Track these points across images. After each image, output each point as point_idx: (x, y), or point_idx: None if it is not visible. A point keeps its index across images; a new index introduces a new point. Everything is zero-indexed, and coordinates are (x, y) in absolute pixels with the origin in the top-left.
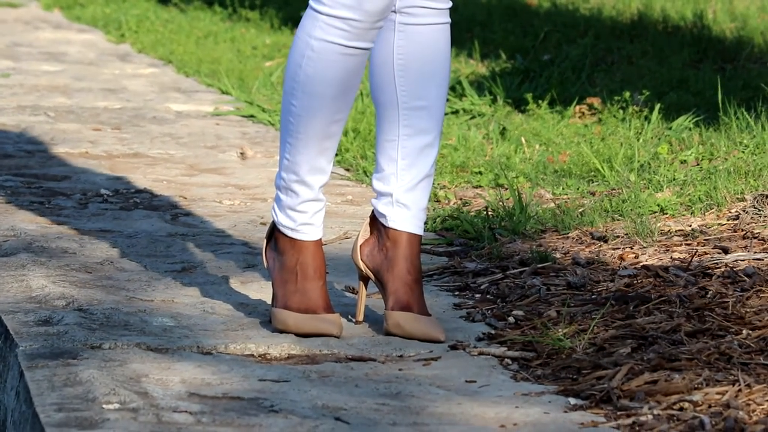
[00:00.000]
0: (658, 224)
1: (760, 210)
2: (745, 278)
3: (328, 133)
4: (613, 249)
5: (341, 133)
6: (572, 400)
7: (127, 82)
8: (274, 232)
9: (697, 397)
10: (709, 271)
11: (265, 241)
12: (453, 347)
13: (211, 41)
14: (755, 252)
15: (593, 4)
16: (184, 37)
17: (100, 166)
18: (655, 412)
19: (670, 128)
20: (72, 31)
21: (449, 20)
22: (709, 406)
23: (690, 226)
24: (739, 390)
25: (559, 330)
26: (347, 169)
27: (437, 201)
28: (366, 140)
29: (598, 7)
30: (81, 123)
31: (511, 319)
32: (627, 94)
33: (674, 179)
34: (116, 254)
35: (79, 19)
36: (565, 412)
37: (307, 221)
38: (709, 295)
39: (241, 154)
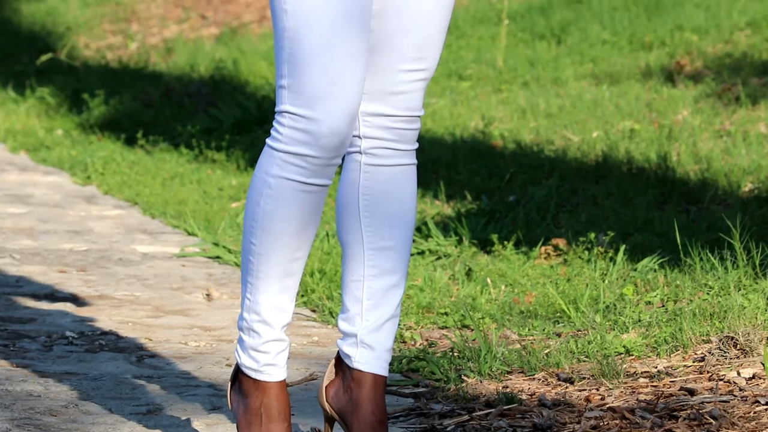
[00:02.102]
0: (624, 366)
1: (725, 352)
2: (712, 420)
3: (289, 271)
4: (579, 390)
5: (302, 271)
6: None
7: (93, 224)
8: (238, 375)
9: None
10: (676, 413)
11: (230, 383)
12: None
13: (178, 182)
14: (721, 394)
15: (558, 146)
16: (150, 179)
17: (66, 308)
18: None
19: (636, 269)
20: (38, 173)
21: (415, 161)
22: None
23: (656, 367)
24: None
25: None
26: (313, 310)
27: (403, 342)
28: (332, 281)
29: (563, 148)
30: (46, 265)
31: None
32: (592, 236)
33: (640, 320)
34: (81, 397)
35: (45, 162)
36: None
37: (270, 362)
38: None
39: (207, 295)
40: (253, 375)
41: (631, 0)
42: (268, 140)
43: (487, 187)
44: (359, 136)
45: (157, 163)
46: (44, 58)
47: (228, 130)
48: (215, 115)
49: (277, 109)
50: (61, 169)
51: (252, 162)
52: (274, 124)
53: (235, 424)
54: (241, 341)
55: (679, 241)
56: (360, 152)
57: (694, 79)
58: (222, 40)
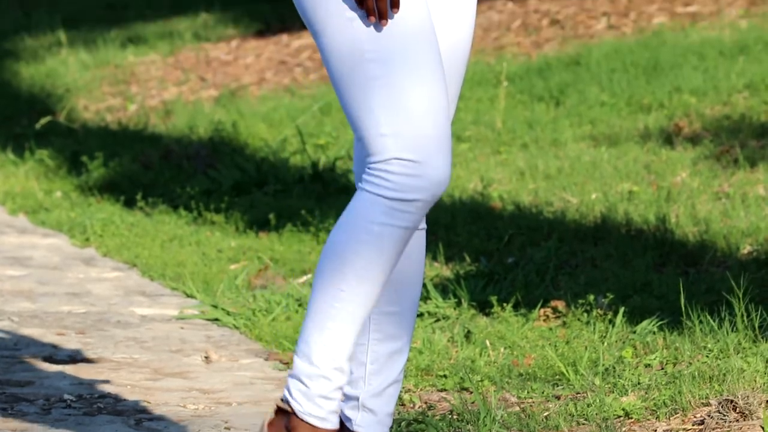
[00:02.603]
0: (624, 429)
1: (725, 415)
2: None
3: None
4: None
5: None
6: None
7: (92, 286)
8: (279, 412)
9: None
10: None
11: (266, 423)
12: None
13: (177, 244)
14: None
15: (557, 208)
16: (150, 241)
17: (64, 371)
18: None
19: (635, 332)
20: (37, 235)
21: (425, 226)
22: None
23: (655, 430)
24: None
25: None
26: None
27: (402, 404)
28: None
29: (562, 210)
30: (45, 328)
31: None
32: (591, 298)
33: (639, 383)
34: None
35: (44, 224)
36: None
37: (334, 409)
38: None
39: (206, 358)
40: (318, 423)
41: (629, 62)
42: (368, 188)
43: (485, 248)
44: None
45: (156, 225)
46: (43, 121)
47: (227, 191)
48: (214, 176)
49: (379, 158)
50: (60, 231)
51: (251, 224)
52: (376, 173)
53: None
54: (303, 389)
55: (680, 303)
56: None
57: (692, 141)
58: (221, 102)
